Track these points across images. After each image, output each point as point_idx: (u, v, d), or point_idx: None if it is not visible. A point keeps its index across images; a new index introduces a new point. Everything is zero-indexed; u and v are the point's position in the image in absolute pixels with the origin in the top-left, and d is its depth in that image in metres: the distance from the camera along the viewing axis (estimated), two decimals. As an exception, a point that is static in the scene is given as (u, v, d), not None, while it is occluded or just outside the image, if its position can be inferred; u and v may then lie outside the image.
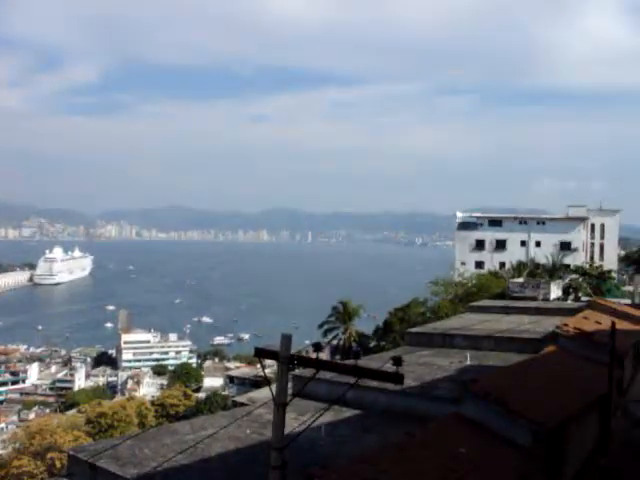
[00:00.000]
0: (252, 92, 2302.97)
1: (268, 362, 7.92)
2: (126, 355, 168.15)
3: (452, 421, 12.70)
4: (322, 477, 8.34)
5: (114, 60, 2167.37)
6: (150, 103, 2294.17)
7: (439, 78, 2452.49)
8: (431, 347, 27.50)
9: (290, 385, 7.79)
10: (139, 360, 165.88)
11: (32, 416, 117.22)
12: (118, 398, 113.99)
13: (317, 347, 7.60)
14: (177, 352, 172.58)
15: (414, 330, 32.85)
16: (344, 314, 70.23)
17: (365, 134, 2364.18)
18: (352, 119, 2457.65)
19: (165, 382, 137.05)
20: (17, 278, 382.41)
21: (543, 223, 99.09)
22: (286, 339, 7.22)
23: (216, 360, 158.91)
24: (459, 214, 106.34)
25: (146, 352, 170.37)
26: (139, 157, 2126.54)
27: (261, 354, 7.58)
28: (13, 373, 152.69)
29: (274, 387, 7.36)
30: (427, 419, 13.30)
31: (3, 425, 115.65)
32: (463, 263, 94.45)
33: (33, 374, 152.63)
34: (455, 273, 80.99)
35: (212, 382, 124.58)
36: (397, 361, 7.29)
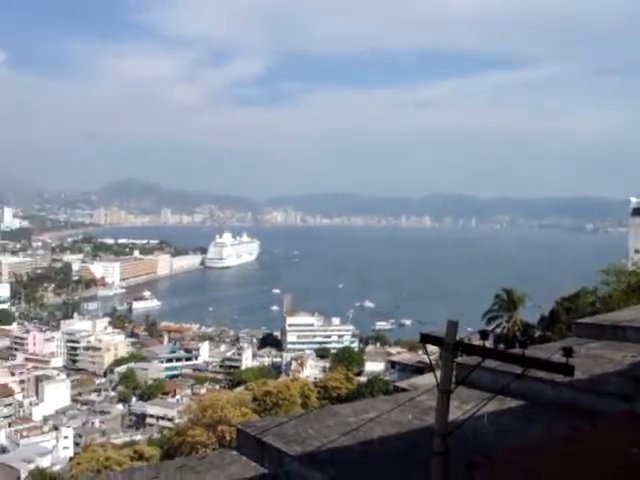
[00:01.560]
0: (412, 79, 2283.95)
1: (431, 349, 7.83)
2: (290, 337, 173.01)
3: (624, 419, 11.99)
4: (485, 467, 8.17)
5: (278, 52, 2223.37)
6: (313, 93, 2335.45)
7: (602, 57, 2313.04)
8: (601, 339, 26.12)
9: (453, 373, 7.66)
10: (303, 342, 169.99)
11: (203, 391, 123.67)
12: (282, 378, 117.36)
13: (483, 334, 7.41)
14: (340, 336, 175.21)
15: (583, 321, 31.29)
16: (508, 302, 68.31)
17: (525, 117, 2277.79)
18: (512, 102, 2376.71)
19: (327, 365, 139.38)
20: (190, 261, 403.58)
21: None
22: (452, 325, 7.10)
23: (378, 345, 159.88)
24: (633, 199, 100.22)
25: (310, 335, 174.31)
26: (304, 145, 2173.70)
27: (426, 339, 7.49)
28: (187, 350, 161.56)
29: (438, 373, 7.26)
30: (595, 414, 12.65)
31: (178, 397, 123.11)
32: (637, 251, 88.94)
33: (204, 352, 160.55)
34: (629, 262, 76.41)
35: (373, 366, 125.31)
36: (568, 352, 6.96)
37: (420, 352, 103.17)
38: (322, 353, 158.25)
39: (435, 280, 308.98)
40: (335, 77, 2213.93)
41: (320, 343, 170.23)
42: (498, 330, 61.97)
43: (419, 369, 72.57)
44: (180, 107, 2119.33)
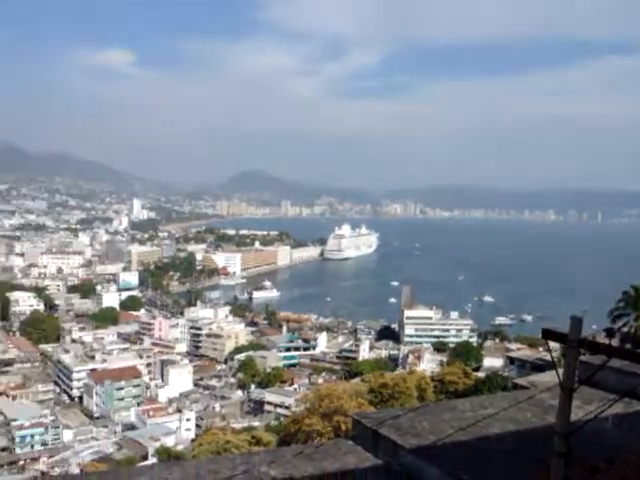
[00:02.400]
0: (532, 66, 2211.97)
1: (552, 345, 7.58)
2: (408, 330, 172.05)
3: None
4: (607, 471, 7.87)
5: (395, 43, 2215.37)
6: (429, 83, 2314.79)
7: None
8: None
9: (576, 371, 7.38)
10: (420, 336, 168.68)
11: (320, 381, 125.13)
12: (399, 371, 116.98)
13: (609, 332, 7.11)
14: (458, 330, 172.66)
15: None
16: (636, 299, 65.22)
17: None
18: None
19: (445, 359, 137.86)
20: (310, 253, 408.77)
21: None
22: (576, 321, 6.84)
23: (497, 340, 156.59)
24: None
25: (427, 328, 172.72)
26: (422, 137, 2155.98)
27: (549, 336, 7.26)
28: (305, 340, 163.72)
29: (560, 371, 7.03)
30: None
31: (296, 386, 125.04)
32: None
33: (322, 342, 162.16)
34: None
35: (492, 362, 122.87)
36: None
37: (540, 349, 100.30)
38: (439, 347, 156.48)
39: (558, 275, 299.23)
40: (454, 67, 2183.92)
41: (438, 337, 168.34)
42: (625, 329, 59.29)
43: (539, 366, 70.46)
44: (300, 100, 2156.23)
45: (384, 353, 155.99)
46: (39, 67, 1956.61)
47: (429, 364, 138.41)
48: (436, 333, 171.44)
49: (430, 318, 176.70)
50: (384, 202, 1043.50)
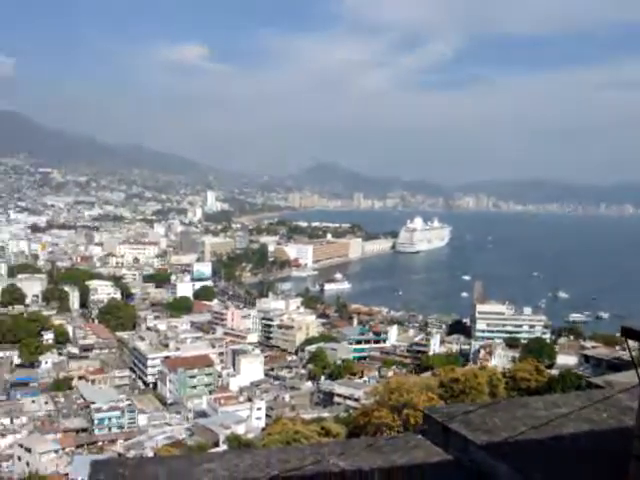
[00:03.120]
0: (609, 56, 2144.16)
1: (632, 345, 7.32)
2: (480, 325, 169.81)
3: None
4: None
5: (467, 35, 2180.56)
6: (503, 75, 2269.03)
7: None
8: None
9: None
10: (492, 331, 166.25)
11: (390, 374, 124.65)
12: (470, 366, 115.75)
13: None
14: (531, 326, 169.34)
15: None
16: None
17: None
18: None
19: (517, 355, 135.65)
20: (381, 246, 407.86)
21: None
22: (654, 320, 6.62)
23: (571, 337, 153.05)
24: None
25: (499, 324, 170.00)
26: (493, 129, 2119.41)
27: (628, 333, 7.03)
28: (376, 333, 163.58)
29: None
30: None
31: (366, 379, 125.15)
32: None
33: (392, 335, 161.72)
34: None
35: (565, 360, 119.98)
36: None
37: (618, 347, 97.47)
38: (512, 343, 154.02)
39: (638, 272, 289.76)
40: (531, 59, 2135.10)
41: (510, 332, 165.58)
42: None
43: (615, 365, 68.59)
44: (372, 92, 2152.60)
45: (455, 348, 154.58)
46: (117, 64, 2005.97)
47: (501, 360, 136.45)
48: (508, 329, 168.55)
49: (502, 313, 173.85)
50: (456, 195, 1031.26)
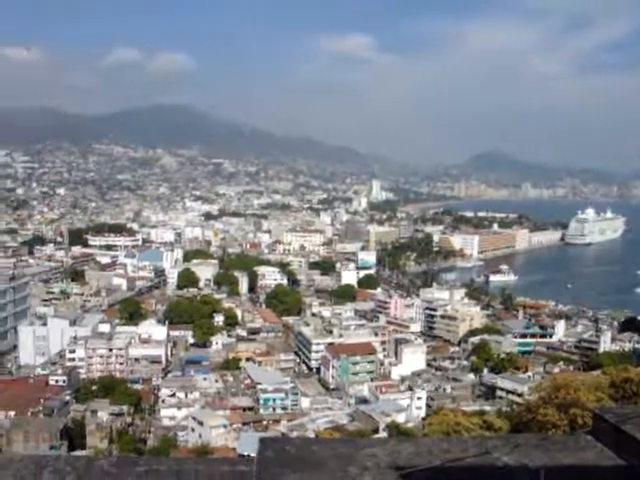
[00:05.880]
0: None
1: None
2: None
3: None
4: None
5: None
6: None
7: None
8: None
9: None
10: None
11: (556, 370, 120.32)
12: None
13: None
14: None
15: None
16: None
17: None
18: None
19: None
20: (549, 237, 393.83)
21: None
22: None
23: None
24: None
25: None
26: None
27: None
28: (542, 327, 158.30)
29: None
30: None
31: (530, 374, 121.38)
32: None
33: (560, 330, 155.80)
34: None
35: None
36: None
37: None
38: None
39: None
40: None
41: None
42: None
43: None
44: (539, 78, 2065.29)
45: (628, 346, 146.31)
46: (281, 57, 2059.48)
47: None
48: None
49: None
50: (632, 184, 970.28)
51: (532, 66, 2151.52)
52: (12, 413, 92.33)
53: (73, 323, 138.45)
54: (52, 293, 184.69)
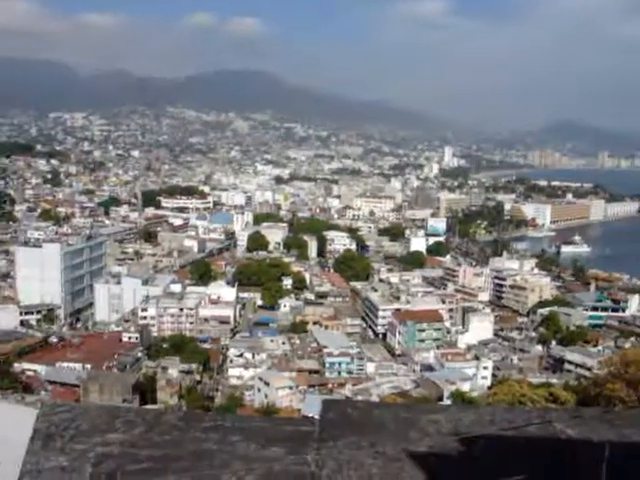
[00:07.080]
0: None
1: None
2: None
3: None
4: None
5: None
6: None
7: None
8: None
9: None
10: None
11: (627, 345, 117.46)
12: None
13: None
14: None
15: None
16: None
17: None
18: None
19: None
20: (626, 208, 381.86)
21: None
22: None
23: None
24: None
25: None
26: None
27: None
28: (614, 301, 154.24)
29: None
30: None
31: (600, 348, 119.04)
32: None
33: (633, 305, 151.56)
34: None
35: None
36: None
37: None
38: None
39: None
40: None
41: None
42: None
43: None
44: (624, 42, 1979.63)
45: None
46: (355, 21, 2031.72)
47: None
48: None
49: None
50: None
51: (618, 28, 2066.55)
52: (89, 366, 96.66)
53: (145, 283, 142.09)
54: (126, 253, 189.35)
